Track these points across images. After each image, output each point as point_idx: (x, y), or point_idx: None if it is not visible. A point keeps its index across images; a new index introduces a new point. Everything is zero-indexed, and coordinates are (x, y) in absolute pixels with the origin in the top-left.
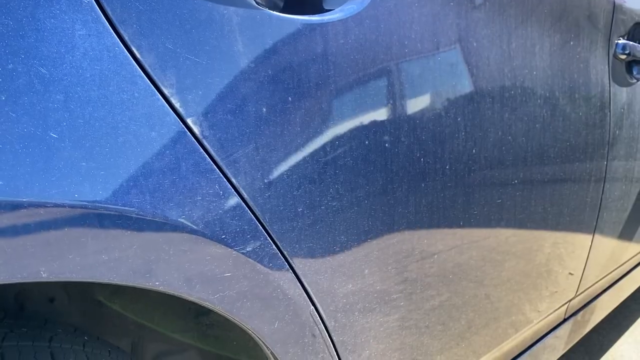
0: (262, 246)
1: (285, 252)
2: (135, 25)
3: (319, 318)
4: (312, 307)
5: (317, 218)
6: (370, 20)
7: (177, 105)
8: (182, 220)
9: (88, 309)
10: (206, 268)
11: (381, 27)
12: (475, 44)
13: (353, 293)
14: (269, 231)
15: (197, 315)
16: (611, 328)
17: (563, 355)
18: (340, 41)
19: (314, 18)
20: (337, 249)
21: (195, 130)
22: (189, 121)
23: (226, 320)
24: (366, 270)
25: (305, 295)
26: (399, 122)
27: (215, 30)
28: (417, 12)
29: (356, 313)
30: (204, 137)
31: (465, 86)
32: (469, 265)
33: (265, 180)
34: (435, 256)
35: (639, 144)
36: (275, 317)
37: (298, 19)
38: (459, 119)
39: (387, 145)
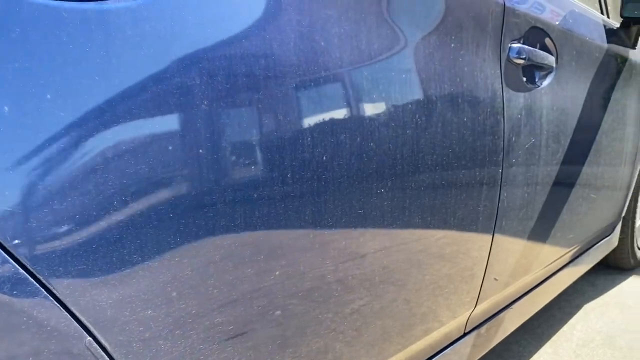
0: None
1: (40, 277)
2: None
3: (101, 350)
4: (90, 338)
5: (94, 236)
6: (173, 10)
7: None
8: None
9: None
10: None
11: (189, 19)
12: (323, 44)
13: (155, 319)
14: (12, 252)
15: None
16: (533, 338)
17: None
18: (127, 32)
19: (88, 5)
20: (127, 270)
21: None
22: None
23: None
24: (174, 293)
25: (76, 325)
26: (215, 123)
27: None
28: (240, 4)
29: (161, 341)
30: None
31: (310, 89)
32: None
33: (7, 193)
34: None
35: (542, 151)
36: (29, 353)
37: (63, 5)
38: (303, 124)
39: (201, 150)
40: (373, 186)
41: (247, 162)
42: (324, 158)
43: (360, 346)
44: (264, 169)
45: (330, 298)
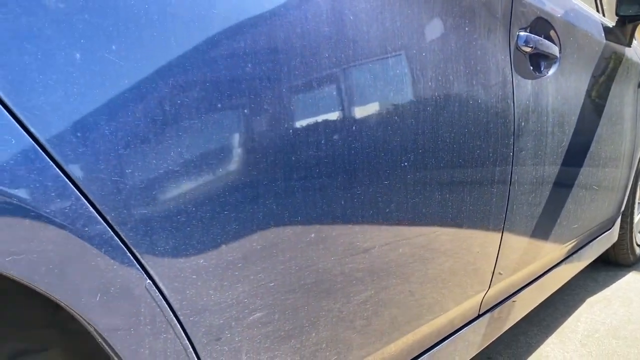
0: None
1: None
2: None
3: (159, 294)
4: (149, 281)
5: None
6: None
7: None
8: None
9: None
10: None
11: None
12: (352, 17)
13: (206, 269)
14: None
15: (57, 307)
16: (539, 330)
17: (489, 358)
18: None
19: None
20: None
21: None
22: None
23: None
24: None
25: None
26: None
27: None
28: None
29: (211, 291)
30: None
31: (340, 60)
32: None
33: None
34: (354, 256)
35: (549, 139)
36: (97, 290)
37: None
38: (306, 119)
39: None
40: (396, 163)
41: (260, 161)
42: (329, 153)
43: (370, 333)
44: (275, 167)
45: (337, 291)
